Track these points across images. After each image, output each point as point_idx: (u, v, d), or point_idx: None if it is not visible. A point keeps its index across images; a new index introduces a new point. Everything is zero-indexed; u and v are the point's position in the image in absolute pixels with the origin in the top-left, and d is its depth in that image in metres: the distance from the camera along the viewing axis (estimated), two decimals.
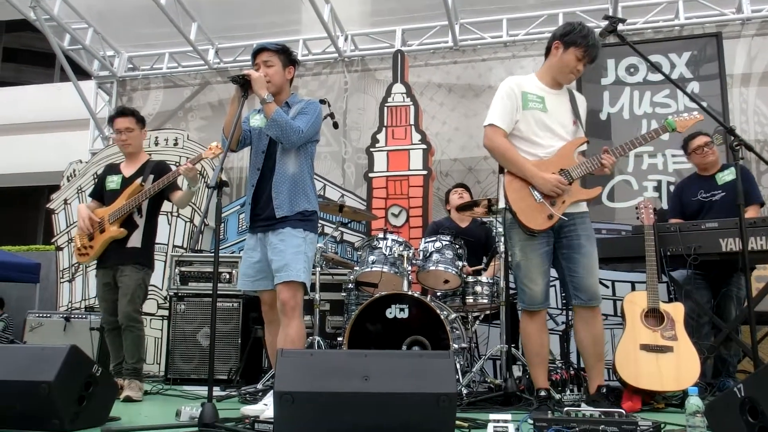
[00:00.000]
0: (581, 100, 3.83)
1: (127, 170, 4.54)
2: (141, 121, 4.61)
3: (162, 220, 4.69)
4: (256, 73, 3.43)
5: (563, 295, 3.82)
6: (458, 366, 4.18)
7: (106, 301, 4.40)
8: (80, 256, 4.50)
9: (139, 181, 4.39)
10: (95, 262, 4.47)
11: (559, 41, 3.62)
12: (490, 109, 3.70)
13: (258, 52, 3.60)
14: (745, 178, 4.67)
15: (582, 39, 3.54)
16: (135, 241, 4.38)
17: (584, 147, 3.78)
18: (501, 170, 3.72)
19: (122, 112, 4.59)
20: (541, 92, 3.68)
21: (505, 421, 2.63)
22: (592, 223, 3.73)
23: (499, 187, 3.74)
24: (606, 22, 3.52)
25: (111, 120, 4.63)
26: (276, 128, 3.40)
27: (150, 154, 4.73)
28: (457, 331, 4.49)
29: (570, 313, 4.96)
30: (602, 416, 2.52)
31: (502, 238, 4.40)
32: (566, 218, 3.52)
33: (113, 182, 4.50)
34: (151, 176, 4.40)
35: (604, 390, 3.59)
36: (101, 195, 4.56)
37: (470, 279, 4.76)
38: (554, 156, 3.59)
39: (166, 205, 4.70)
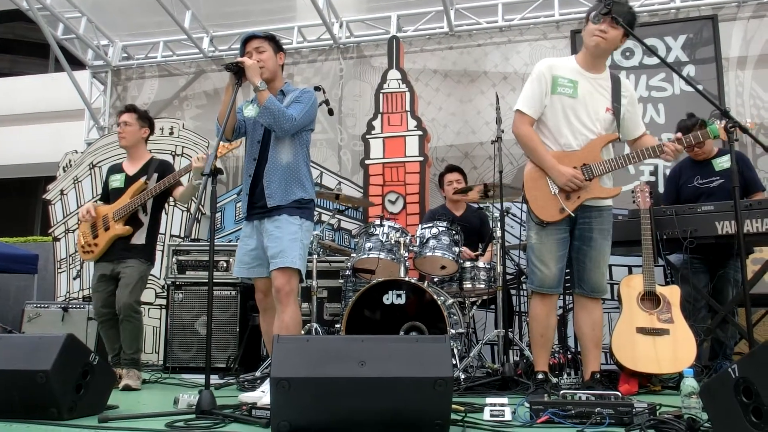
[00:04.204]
0: (627, 87, 3.69)
1: (131, 168, 4.57)
2: (143, 118, 4.64)
3: None
4: (249, 60, 3.43)
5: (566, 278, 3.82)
6: (456, 351, 4.19)
7: (100, 293, 4.41)
8: (84, 254, 4.52)
9: (143, 179, 4.42)
10: None
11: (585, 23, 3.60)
12: (521, 92, 3.66)
13: (247, 40, 3.59)
14: (746, 166, 4.68)
15: (595, 6, 3.49)
16: (139, 238, 4.43)
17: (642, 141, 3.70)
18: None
19: (127, 108, 4.67)
20: (576, 75, 3.57)
21: (502, 405, 2.65)
22: None
23: None
24: (600, 6, 3.50)
25: (118, 116, 4.69)
26: (268, 116, 3.39)
27: (151, 152, 4.74)
28: (455, 317, 4.50)
29: (568, 298, 4.99)
30: (598, 399, 2.53)
31: (498, 223, 4.42)
32: (573, 214, 3.50)
33: (117, 180, 4.54)
34: (155, 175, 4.43)
35: (598, 376, 3.60)
36: (108, 196, 4.59)
37: (467, 264, 4.76)
38: (581, 150, 3.53)
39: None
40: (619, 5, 3.45)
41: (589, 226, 3.57)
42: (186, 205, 7.08)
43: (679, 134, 3.57)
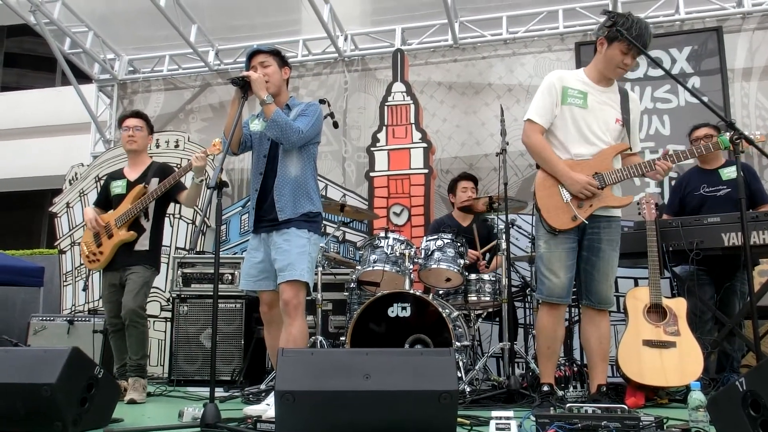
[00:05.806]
0: (634, 102, 3.71)
1: (132, 174, 4.58)
2: (150, 125, 4.69)
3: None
4: (255, 74, 3.45)
5: (573, 290, 3.82)
6: (461, 364, 4.17)
7: (112, 303, 4.43)
8: (90, 263, 4.52)
9: (142, 184, 4.43)
10: None
11: (603, 38, 3.51)
12: (531, 103, 3.65)
13: (252, 55, 3.61)
14: (753, 177, 4.67)
15: (626, 32, 3.39)
16: (143, 244, 4.43)
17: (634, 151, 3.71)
18: (538, 166, 3.68)
19: (135, 113, 4.70)
20: (585, 87, 3.58)
21: (508, 418, 2.63)
22: None
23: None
24: (604, 18, 3.51)
25: (121, 120, 4.69)
26: (276, 129, 3.40)
27: (151, 157, 4.76)
28: (460, 329, 4.49)
29: (574, 310, 4.98)
30: (605, 412, 2.52)
31: (503, 235, 4.42)
32: (587, 222, 3.49)
33: (118, 187, 4.55)
34: (155, 179, 4.44)
35: (605, 389, 3.58)
36: (106, 202, 4.60)
37: (472, 276, 4.75)
38: (592, 159, 3.53)
39: (169, 207, 4.73)
40: (632, 23, 3.41)
41: (598, 237, 3.56)
42: (191, 218, 7.10)
43: (669, 150, 3.57)
